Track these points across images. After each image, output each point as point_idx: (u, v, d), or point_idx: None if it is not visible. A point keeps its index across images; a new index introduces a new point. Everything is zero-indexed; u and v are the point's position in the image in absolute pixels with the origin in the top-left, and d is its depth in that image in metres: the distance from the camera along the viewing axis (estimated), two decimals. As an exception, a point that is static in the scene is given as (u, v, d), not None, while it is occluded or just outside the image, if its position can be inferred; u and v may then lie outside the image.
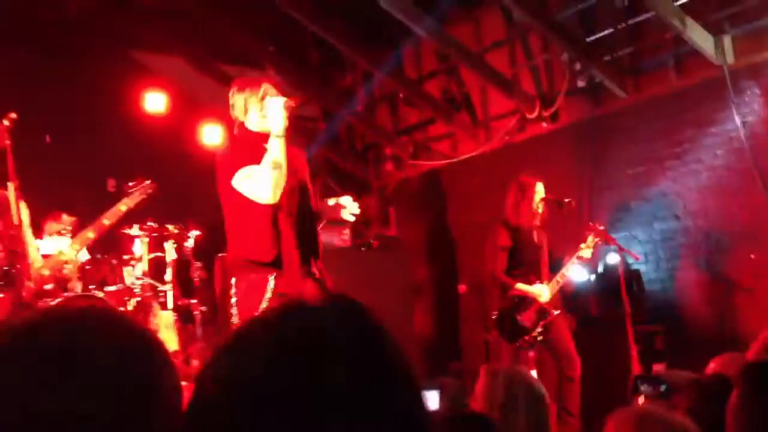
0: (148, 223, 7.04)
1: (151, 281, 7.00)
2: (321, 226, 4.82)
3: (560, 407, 6.48)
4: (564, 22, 8.23)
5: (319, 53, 10.73)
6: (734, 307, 7.12)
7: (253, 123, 4.50)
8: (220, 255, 7.09)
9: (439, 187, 10.30)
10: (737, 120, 7.12)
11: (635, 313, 6.58)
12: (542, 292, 6.71)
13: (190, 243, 7.47)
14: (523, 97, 8.82)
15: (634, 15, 7.76)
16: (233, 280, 4.38)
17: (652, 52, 7.84)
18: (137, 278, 6.80)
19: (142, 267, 7.01)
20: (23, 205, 5.24)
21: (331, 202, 4.91)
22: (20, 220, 5.16)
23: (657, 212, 7.80)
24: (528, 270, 6.86)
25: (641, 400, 4.62)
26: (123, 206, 5.87)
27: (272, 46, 10.16)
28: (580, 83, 8.42)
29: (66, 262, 5.54)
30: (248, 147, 4.41)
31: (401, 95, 10.43)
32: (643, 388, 4.22)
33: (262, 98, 4.46)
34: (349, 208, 4.83)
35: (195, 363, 7.10)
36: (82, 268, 5.96)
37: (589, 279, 7.63)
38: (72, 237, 5.97)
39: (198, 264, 7.59)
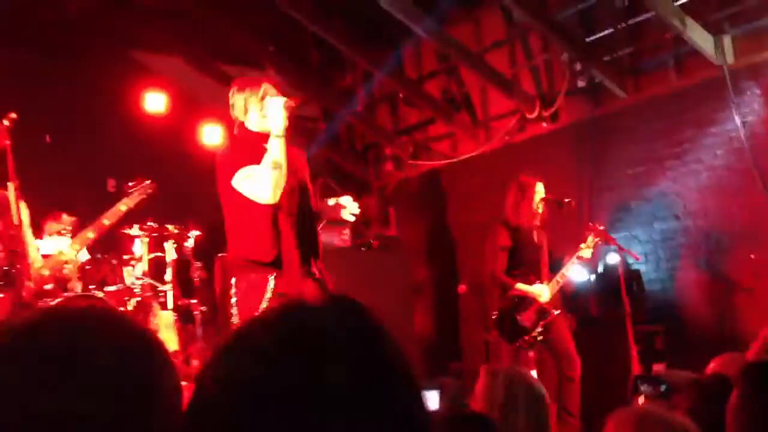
0: (148, 223, 7.03)
1: (151, 281, 7.00)
2: (321, 226, 4.82)
3: (560, 407, 6.48)
4: (564, 22, 8.23)
5: (319, 53, 10.73)
6: (734, 307, 7.12)
7: (253, 123, 4.50)
8: (220, 255, 7.09)
9: (439, 187, 10.30)
10: (737, 120, 7.12)
11: (635, 313, 6.59)
12: (542, 292, 6.70)
13: (190, 243, 7.47)
14: (523, 97, 8.82)
15: (634, 15, 7.76)
16: (233, 280, 4.38)
17: (652, 52, 7.85)
18: (137, 278, 6.80)
19: (142, 267, 7.01)
20: (23, 205, 5.24)
21: (331, 202, 4.91)
22: (20, 220, 5.16)
23: (657, 212, 7.80)
24: (528, 270, 6.86)
25: (641, 400, 4.62)
26: (123, 206, 5.86)
27: (272, 46, 10.15)
28: (580, 83, 8.43)
29: (66, 262, 5.54)
30: (248, 147, 4.41)
31: (401, 95, 10.43)
32: (643, 388, 4.22)
33: (262, 98, 4.46)
34: (349, 208, 4.84)
35: (195, 363, 7.10)
36: (82, 268, 5.96)
37: (589, 279, 7.62)
38: (72, 237, 5.97)
39: (198, 264, 7.59)
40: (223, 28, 9.80)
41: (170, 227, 7.29)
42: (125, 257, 6.91)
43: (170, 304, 7.19)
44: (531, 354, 6.66)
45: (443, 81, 10.00)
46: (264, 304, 4.20)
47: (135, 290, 6.61)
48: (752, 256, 6.91)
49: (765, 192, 6.89)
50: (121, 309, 6.05)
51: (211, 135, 9.50)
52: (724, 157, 7.29)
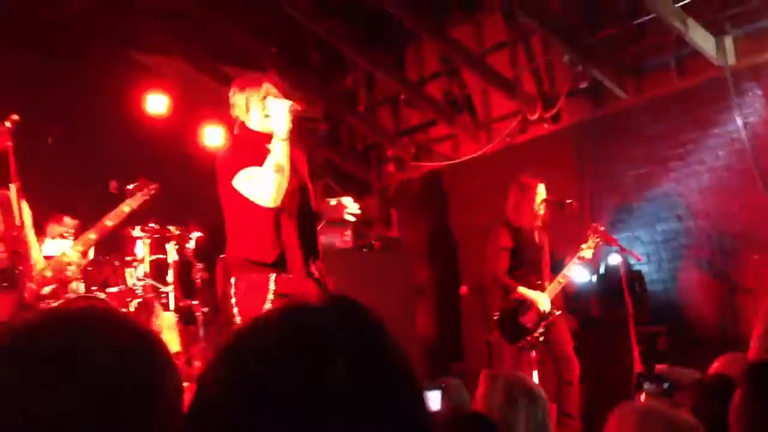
0: (150, 225, 7.04)
1: (153, 282, 7.00)
2: (321, 226, 4.81)
3: (559, 410, 6.47)
4: (565, 23, 8.23)
5: (320, 54, 10.73)
6: (736, 307, 7.12)
7: (255, 123, 4.48)
8: (221, 256, 7.09)
9: (441, 189, 10.30)
10: (739, 121, 7.12)
11: (637, 313, 6.58)
12: (542, 300, 6.68)
13: (191, 244, 7.48)
14: (525, 99, 8.82)
15: (636, 16, 7.76)
16: (233, 280, 4.37)
17: (654, 53, 7.84)
18: (139, 279, 6.80)
19: (144, 268, 7.02)
20: (25, 206, 5.23)
21: (333, 202, 4.91)
22: (22, 221, 5.16)
23: (659, 213, 7.80)
24: (529, 271, 6.85)
25: (643, 397, 4.61)
26: (126, 207, 5.86)
27: (274, 47, 10.15)
28: (582, 84, 8.42)
29: (68, 264, 5.54)
30: (249, 147, 4.40)
31: (403, 97, 10.43)
32: (645, 385, 4.21)
33: (264, 98, 4.45)
34: (350, 208, 4.83)
35: (197, 364, 7.10)
36: (84, 269, 5.96)
37: (591, 280, 7.62)
38: (74, 239, 5.97)
39: (199, 265, 7.59)
40: (224, 29, 9.80)
41: (172, 228, 7.30)
42: (127, 258, 6.92)
43: (172, 305, 7.19)
44: (533, 355, 6.66)
45: (445, 82, 10.00)
46: (266, 305, 4.19)
47: (137, 291, 6.62)
48: (755, 257, 6.91)
49: (766, 192, 6.89)
50: (123, 310, 6.05)
51: (213, 136, 9.50)
52: (725, 158, 7.29)
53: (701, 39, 7.12)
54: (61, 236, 6.37)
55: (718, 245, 7.31)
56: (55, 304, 5.13)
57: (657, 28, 7.53)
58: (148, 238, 7.09)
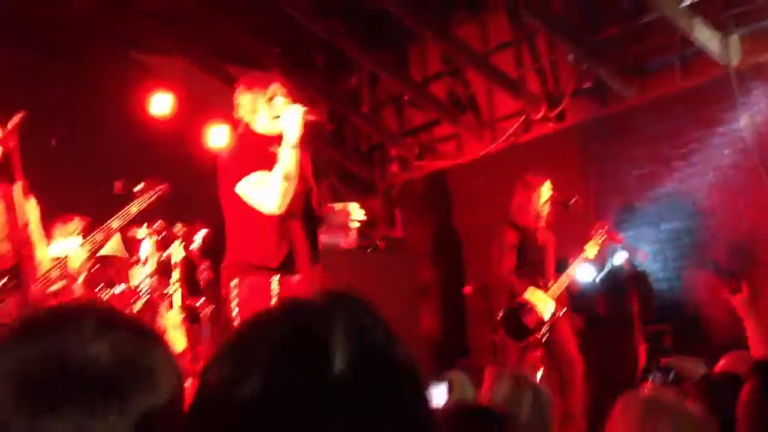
0: (155, 224, 7.04)
1: (158, 282, 7.00)
2: (323, 229, 4.79)
3: (563, 411, 6.47)
4: (570, 22, 8.22)
5: (324, 55, 10.73)
6: (742, 306, 7.10)
7: (261, 124, 4.45)
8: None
9: (445, 188, 10.29)
10: (744, 120, 7.11)
11: (643, 312, 6.60)
12: (545, 307, 6.67)
13: (196, 243, 7.48)
14: (529, 98, 8.82)
15: (640, 15, 7.75)
16: (234, 282, 4.34)
17: (658, 53, 7.83)
18: (144, 279, 6.80)
19: (149, 268, 7.02)
20: (33, 204, 5.23)
21: (338, 207, 4.87)
22: (26, 221, 5.16)
23: (664, 212, 7.79)
24: (533, 270, 6.87)
25: (649, 387, 4.61)
26: (134, 208, 5.86)
27: (277, 47, 10.15)
28: (586, 84, 8.42)
29: (74, 264, 5.54)
30: (253, 149, 4.37)
31: (406, 97, 10.42)
32: (652, 375, 4.22)
33: (270, 99, 4.42)
34: (355, 215, 4.77)
35: (202, 363, 7.09)
36: (89, 269, 5.96)
37: (596, 278, 7.62)
38: (82, 239, 5.96)
39: (204, 264, 7.59)
40: (228, 30, 9.80)
41: (177, 228, 7.30)
42: (132, 258, 6.92)
43: (177, 305, 7.19)
44: (538, 353, 6.66)
45: (448, 82, 10.00)
46: (270, 308, 4.17)
47: (142, 291, 6.62)
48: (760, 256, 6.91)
49: (772, 191, 6.89)
50: (129, 310, 6.05)
51: (217, 136, 9.49)
52: (730, 157, 7.29)
53: (706, 38, 7.12)
54: (69, 235, 6.37)
55: (723, 244, 7.31)
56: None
57: (661, 28, 7.53)
58: (153, 237, 7.09)
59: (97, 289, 6.08)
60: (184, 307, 7.26)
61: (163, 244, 7.25)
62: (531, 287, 6.77)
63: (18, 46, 8.91)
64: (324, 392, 0.97)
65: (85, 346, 1.11)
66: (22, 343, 1.13)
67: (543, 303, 6.69)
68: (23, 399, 1.07)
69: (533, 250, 6.93)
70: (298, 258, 4.36)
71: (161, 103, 9.28)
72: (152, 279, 6.87)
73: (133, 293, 6.53)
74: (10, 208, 5.13)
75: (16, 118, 4.93)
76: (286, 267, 4.34)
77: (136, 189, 5.93)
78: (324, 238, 4.87)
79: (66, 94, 9.02)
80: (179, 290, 7.22)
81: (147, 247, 7.03)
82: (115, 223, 5.75)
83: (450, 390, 3.86)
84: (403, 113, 10.78)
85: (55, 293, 5.33)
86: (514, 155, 9.01)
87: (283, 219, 4.33)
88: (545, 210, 6.95)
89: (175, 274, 7.26)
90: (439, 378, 4.14)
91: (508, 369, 4.58)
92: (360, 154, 11.41)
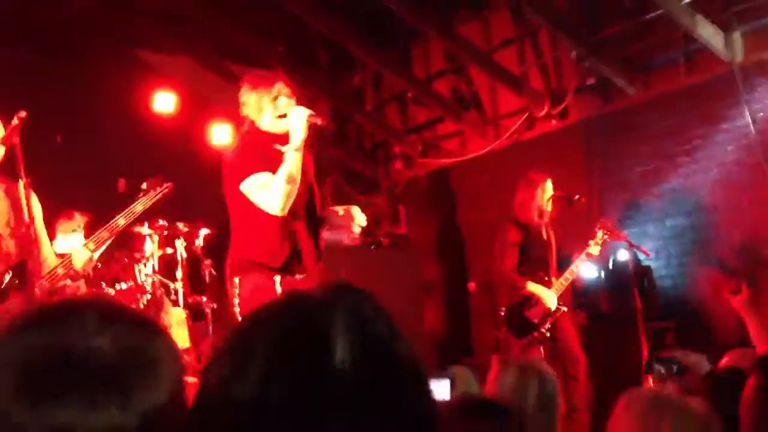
0: (159, 222, 7.05)
1: (162, 279, 7.02)
2: (325, 228, 4.79)
3: (566, 405, 6.47)
4: (573, 19, 8.22)
5: (327, 53, 10.73)
6: (745, 303, 7.10)
7: (266, 123, 4.45)
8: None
9: (448, 186, 10.29)
10: (747, 116, 7.11)
11: (646, 309, 6.59)
12: (549, 297, 6.70)
13: (200, 241, 7.50)
14: (532, 95, 8.82)
15: (644, 12, 7.75)
16: (237, 281, 4.35)
17: (662, 49, 7.83)
18: (148, 275, 6.82)
19: (153, 265, 7.03)
20: (35, 201, 5.24)
21: (341, 211, 4.86)
22: (31, 218, 5.16)
23: (667, 209, 7.79)
24: (537, 267, 6.87)
25: (652, 380, 4.62)
26: (139, 206, 5.86)
27: (280, 45, 10.16)
28: (590, 81, 8.41)
29: (79, 260, 5.55)
30: (258, 148, 4.37)
31: (410, 94, 10.43)
32: (655, 368, 4.22)
33: (275, 98, 4.42)
34: (358, 219, 4.77)
35: (204, 360, 7.10)
36: (94, 266, 5.97)
37: (600, 275, 7.62)
38: (84, 235, 5.97)
39: (208, 261, 7.60)
40: (231, 29, 9.80)
41: (180, 225, 7.31)
42: (136, 255, 6.94)
43: (181, 302, 7.21)
44: (541, 349, 6.67)
45: (452, 80, 10.00)
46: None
47: (146, 288, 6.63)
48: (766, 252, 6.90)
49: (775, 187, 6.89)
50: (133, 306, 6.05)
51: (221, 134, 9.50)
52: (734, 153, 7.29)
53: (709, 35, 7.12)
54: (72, 232, 6.38)
55: (727, 240, 7.30)
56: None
57: (665, 25, 7.52)
58: (157, 234, 7.11)
59: (102, 286, 6.09)
60: (188, 305, 7.28)
61: (166, 242, 7.27)
62: (532, 282, 6.78)
63: (18, 46, 8.92)
64: (325, 385, 0.97)
65: (88, 338, 1.11)
66: (25, 334, 1.13)
67: (546, 294, 6.70)
68: (25, 389, 1.08)
69: (536, 247, 6.94)
70: (302, 258, 4.36)
71: (164, 101, 9.29)
72: (155, 276, 6.89)
73: (137, 290, 6.54)
74: (15, 205, 5.14)
75: (18, 117, 4.94)
76: (289, 267, 4.34)
77: (141, 187, 5.93)
78: (327, 235, 4.88)
79: (67, 93, 9.03)
80: (183, 287, 7.24)
81: (150, 245, 7.05)
82: (121, 221, 5.75)
83: (453, 385, 3.86)
84: (406, 111, 10.78)
85: (61, 290, 5.34)
86: (518, 152, 9.01)
87: (286, 219, 4.33)
88: (548, 207, 6.95)
89: (179, 272, 7.28)
90: (442, 374, 4.14)
91: (514, 359, 4.59)
92: (364, 152, 11.42)
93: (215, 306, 7.41)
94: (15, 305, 5.06)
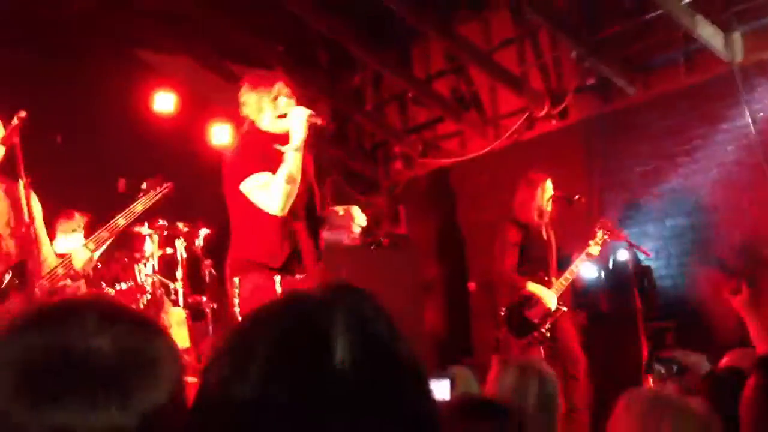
0: (159, 222, 7.05)
1: (162, 279, 7.02)
2: (325, 228, 4.79)
3: (566, 405, 6.48)
4: (573, 19, 8.22)
5: (328, 53, 10.73)
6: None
7: (266, 123, 4.46)
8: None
9: (448, 186, 10.30)
10: (747, 116, 7.11)
11: (646, 309, 6.59)
12: (549, 297, 6.70)
13: (200, 241, 7.50)
14: (532, 95, 8.82)
15: (644, 12, 7.75)
16: (237, 281, 4.35)
17: (662, 50, 7.83)
18: (148, 275, 6.82)
19: (153, 265, 7.03)
20: (35, 201, 5.24)
21: (341, 211, 4.87)
22: (31, 218, 5.16)
23: (667, 209, 7.79)
24: (537, 267, 6.87)
25: (652, 380, 4.62)
26: (140, 206, 5.86)
27: (280, 45, 10.16)
28: (590, 81, 8.41)
29: (79, 260, 5.55)
30: (258, 148, 4.37)
31: (410, 94, 10.43)
32: (655, 368, 4.22)
33: (275, 98, 4.43)
34: (358, 219, 4.78)
35: (204, 360, 7.10)
36: (94, 266, 5.97)
37: (600, 275, 7.62)
38: (84, 235, 5.97)
39: (208, 261, 7.61)
40: (230, 29, 9.80)
41: (180, 225, 7.31)
42: (136, 255, 6.94)
43: (181, 302, 7.21)
44: (541, 350, 6.67)
45: (452, 80, 10.00)
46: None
47: (146, 288, 6.63)
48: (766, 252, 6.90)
49: (775, 187, 6.89)
50: (133, 306, 6.06)
51: (221, 134, 9.50)
52: (734, 153, 7.29)
53: (709, 35, 7.12)
54: (72, 231, 6.38)
55: (727, 240, 7.30)
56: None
57: (665, 25, 7.52)
58: (156, 234, 7.11)
59: (102, 286, 6.09)
60: (188, 305, 7.28)
61: (166, 242, 7.27)
62: (532, 282, 6.78)
63: (18, 46, 8.92)
64: (325, 385, 0.96)
65: (88, 338, 1.11)
66: (25, 334, 1.13)
67: (546, 294, 6.71)
68: (25, 389, 1.08)
69: (536, 247, 6.94)
70: (302, 258, 4.36)
71: (164, 101, 9.29)
72: (155, 276, 6.89)
73: (137, 290, 6.54)
74: (15, 205, 5.14)
75: (18, 117, 4.94)
76: (289, 267, 4.34)
77: (141, 187, 5.93)
78: (327, 235, 4.88)
79: (67, 93, 9.03)
80: (183, 287, 7.24)
81: (150, 245, 7.05)
82: (121, 221, 5.75)
83: (453, 385, 3.86)
84: (406, 111, 10.79)
85: (61, 290, 5.34)
86: (518, 152, 9.02)
87: (286, 219, 4.33)
88: (548, 207, 6.95)
89: (179, 272, 7.28)
90: (442, 374, 4.15)
91: (514, 359, 4.58)
92: (364, 152, 11.42)
93: (215, 306, 7.41)
94: (15, 305, 5.05)
